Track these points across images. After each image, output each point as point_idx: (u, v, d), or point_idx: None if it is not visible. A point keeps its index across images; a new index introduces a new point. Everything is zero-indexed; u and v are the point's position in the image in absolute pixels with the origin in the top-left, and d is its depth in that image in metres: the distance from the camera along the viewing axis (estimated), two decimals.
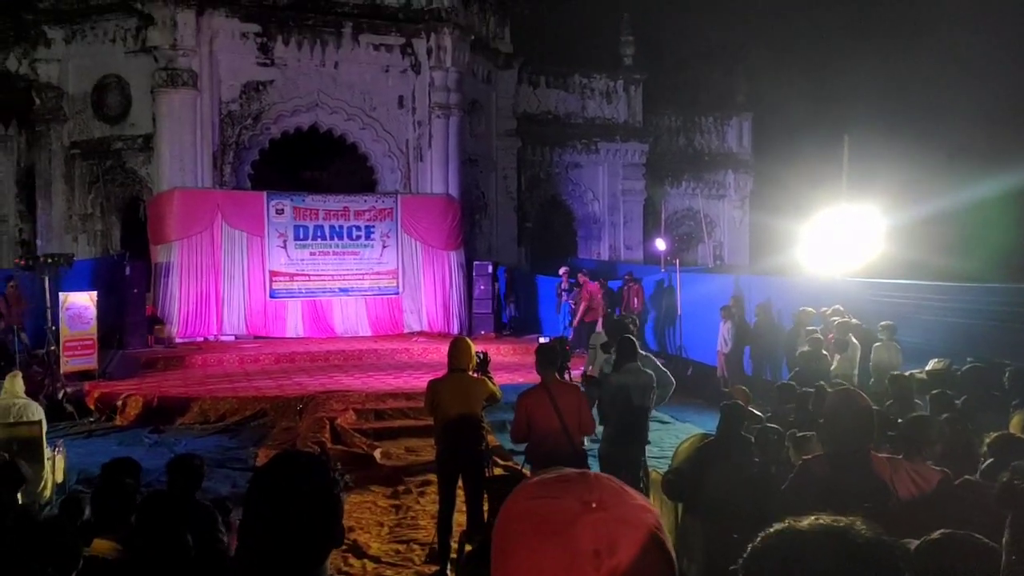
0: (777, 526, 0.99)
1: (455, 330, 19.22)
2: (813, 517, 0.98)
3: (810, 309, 10.82)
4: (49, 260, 13.17)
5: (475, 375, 6.09)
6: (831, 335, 9.56)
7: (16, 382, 7.79)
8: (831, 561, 0.90)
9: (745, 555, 0.98)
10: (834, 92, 27.90)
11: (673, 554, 0.89)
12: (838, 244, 12.10)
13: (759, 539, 0.99)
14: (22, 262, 13.77)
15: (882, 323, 9.42)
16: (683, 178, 25.98)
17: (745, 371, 12.48)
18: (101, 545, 3.43)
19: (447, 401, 5.92)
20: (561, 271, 18.21)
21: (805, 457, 3.72)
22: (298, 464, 1.73)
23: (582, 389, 6.08)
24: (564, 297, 17.70)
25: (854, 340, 9.42)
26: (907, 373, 6.91)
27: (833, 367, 9.09)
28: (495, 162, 22.45)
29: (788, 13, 28.89)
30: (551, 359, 5.87)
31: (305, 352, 16.34)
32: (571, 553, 0.80)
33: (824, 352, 9.13)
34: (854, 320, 9.85)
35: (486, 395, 5.98)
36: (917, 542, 2.19)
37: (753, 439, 4.76)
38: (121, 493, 3.91)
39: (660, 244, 19.20)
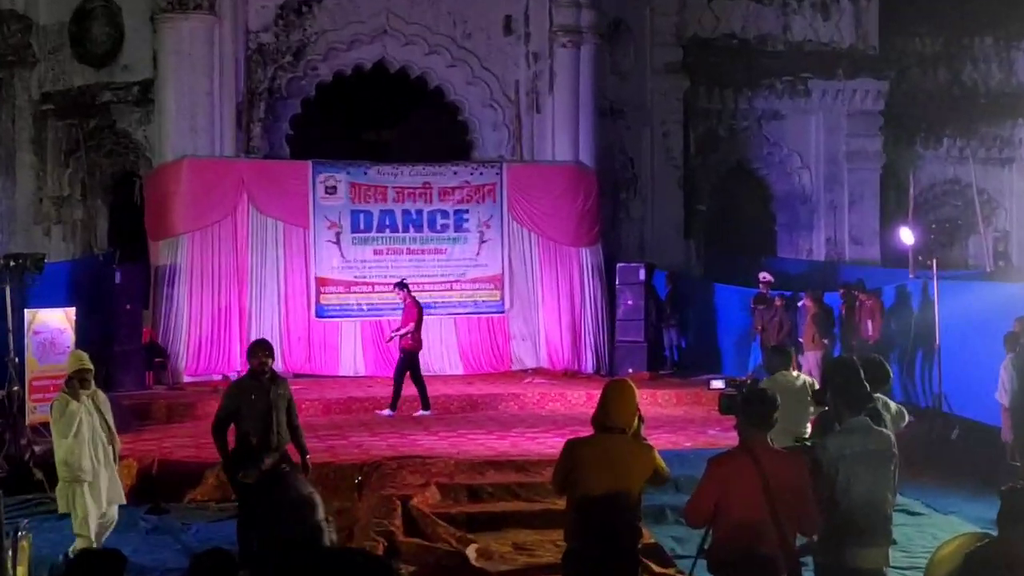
0: None
1: (588, 366, 19.45)
2: None
3: None
4: (12, 264, 13.54)
5: (636, 439, 6.17)
6: None
7: None
8: None
9: None
10: None
11: None
12: None
13: None
14: None
15: None
16: (944, 133, 25.43)
17: None
18: None
19: (592, 475, 5.97)
20: (762, 278, 18.13)
21: None
22: (351, 571, 1.74)
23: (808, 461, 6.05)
24: (759, 319, 17.82)
25: None
26: None
27: None
28: (650, 113, 22.40)
29: None
30: (763, 413, 5.87)
31: (366, 397, 16.70)
32: None
33: None
34: None
35: (651, 471, 6.04)
36: None
37: None
38: None
39: (907, 236, 18.55)
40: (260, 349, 9.28)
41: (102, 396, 9.60)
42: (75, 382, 9.13)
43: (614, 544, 5.92)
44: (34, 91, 20.07)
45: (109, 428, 9.43)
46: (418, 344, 15.86)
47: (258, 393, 8.99)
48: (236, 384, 9.52)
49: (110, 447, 9.42)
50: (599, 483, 5.91)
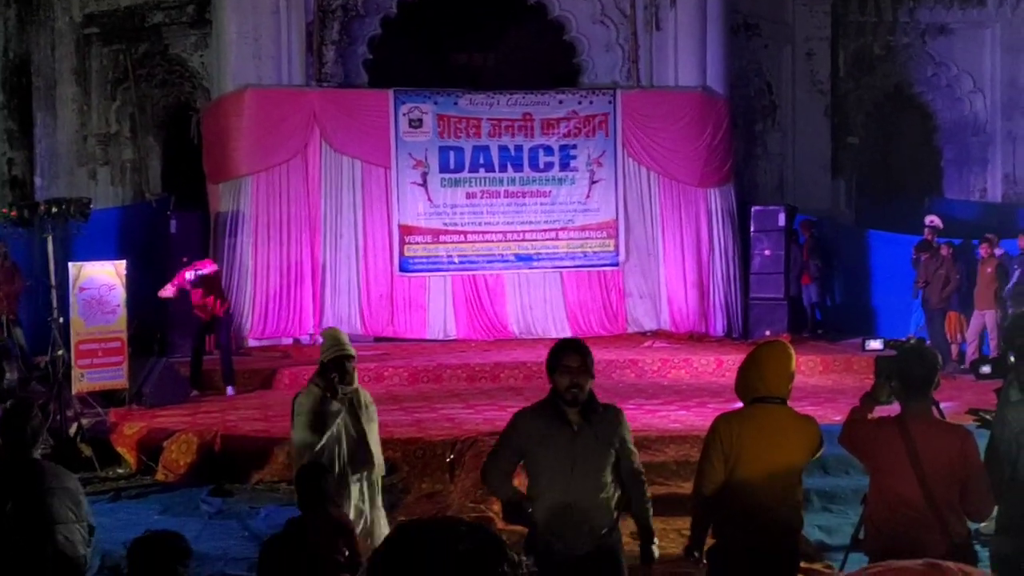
0: None
1: (717, 328, 19.67)
2: None
3: None
4: (54, 210, 13.71)
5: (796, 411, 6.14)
6: None
7: None
8: None
9: None
10: None
11: None
12: None
13: None
14: (13, 213, 14.26)
15: None
16: None
17: None
18: None
19: (753, 456, 5.87)
20: (928, 221, 17.90)
21: None
22: (444, 537, 1.80)
23: (971, 431, 5.93)
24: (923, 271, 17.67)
25: None
26: None
27: None
28: (791, 28, 22.49)
29: None
30: (921, 377, 5.75)
31: (459, 365, 16.88)
32: None
33: None
34: None
35: (816, 448, 6.00)
36: None
37: None
38: None
39: None
40: (569, 352, 6.08)
41: (367, 399, 7.86)
42: (332, 375, 7.45)
43: (780, 538, 5.91)
44: (76, 12, 20.36)
45: (360, 446, 7.63)
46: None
47: (561, 431, 5.93)
48: (525, 414, 6.13)
49: (359, 477, 7.65)
50: (761, 465, 5.85)
